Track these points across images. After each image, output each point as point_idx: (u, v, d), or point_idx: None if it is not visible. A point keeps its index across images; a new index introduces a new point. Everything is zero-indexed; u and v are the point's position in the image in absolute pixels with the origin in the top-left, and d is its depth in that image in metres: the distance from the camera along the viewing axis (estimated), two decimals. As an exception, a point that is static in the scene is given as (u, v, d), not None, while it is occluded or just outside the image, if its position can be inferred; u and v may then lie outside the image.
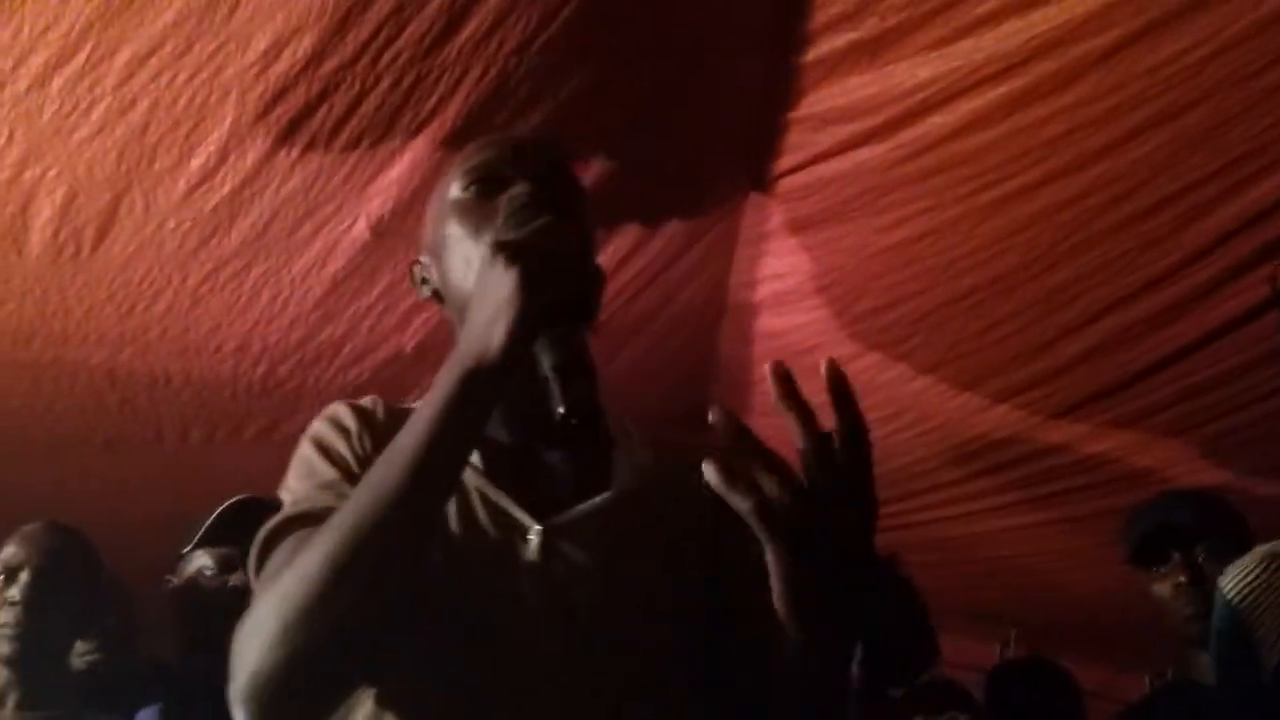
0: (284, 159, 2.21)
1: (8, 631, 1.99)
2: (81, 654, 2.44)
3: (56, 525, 2.13)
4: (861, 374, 3.01)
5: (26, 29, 1.85)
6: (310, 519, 0.98)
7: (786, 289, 3.01)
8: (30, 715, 2.00)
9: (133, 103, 2.02)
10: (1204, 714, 2.06)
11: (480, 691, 0.97)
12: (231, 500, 2.24)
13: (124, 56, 1.93)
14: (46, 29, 1.86)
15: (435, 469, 0.91)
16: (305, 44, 1.99)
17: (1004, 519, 3.62)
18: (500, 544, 1.03)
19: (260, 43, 1.97)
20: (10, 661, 2.00)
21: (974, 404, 3.14)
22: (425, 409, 0.92)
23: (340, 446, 1.08)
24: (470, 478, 1.05)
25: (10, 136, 2.02)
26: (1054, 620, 4.07)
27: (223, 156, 2.16)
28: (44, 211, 2.17)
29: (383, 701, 0.98)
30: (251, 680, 0.89)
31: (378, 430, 1.08)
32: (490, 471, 1.07)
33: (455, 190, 1.15)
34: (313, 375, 2.81)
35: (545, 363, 0.90)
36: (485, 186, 1.13)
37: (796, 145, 2.49)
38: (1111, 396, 3.01)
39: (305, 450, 1.09)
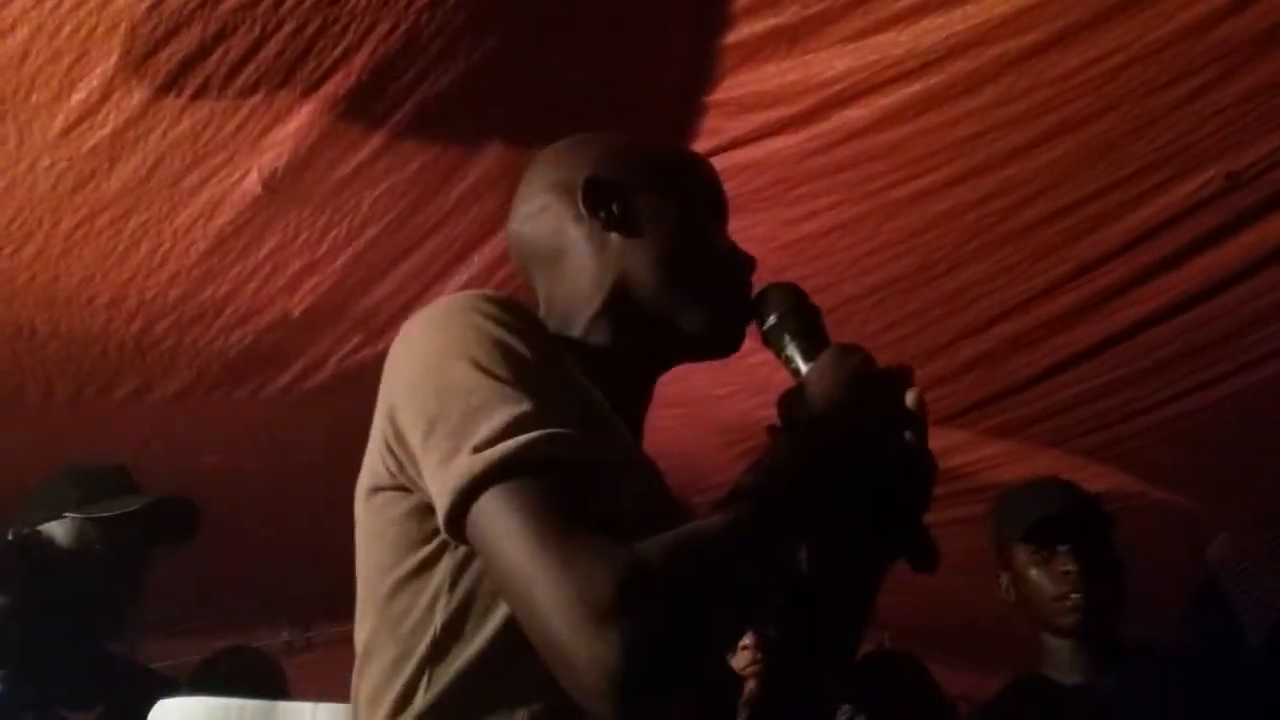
0: (173, 101, 2.07)
1: None
2: None
3: None
4: (758, 369, 2.99)
5: (-107, -64, 1.71)
6: (569, 445, 0.88)
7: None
8: None
9: (11, 28, 1.87)
10: (1055, 709, 2.06)
11: None
12: None
13: (4, -24, 1.80)
14: (-86, -62, 1.72)
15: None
16: (205, -22, 1.88)
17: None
18: None
19: (156, -27, 1.86)
20: None
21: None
22: (793, 470, 0.99)
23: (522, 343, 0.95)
24: None
25: None
26: (927, 624, 4.13)
27: (106, 94, 2.02)
28: (-97, 138, 2.01)
29: None
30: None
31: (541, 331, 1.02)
32: None
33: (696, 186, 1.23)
34: (190, 335, 2.67)
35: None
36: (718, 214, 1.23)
37: (712, 130, 2.45)
38: (997, 403, 3.06)
39: (490, 330, 0.93)
